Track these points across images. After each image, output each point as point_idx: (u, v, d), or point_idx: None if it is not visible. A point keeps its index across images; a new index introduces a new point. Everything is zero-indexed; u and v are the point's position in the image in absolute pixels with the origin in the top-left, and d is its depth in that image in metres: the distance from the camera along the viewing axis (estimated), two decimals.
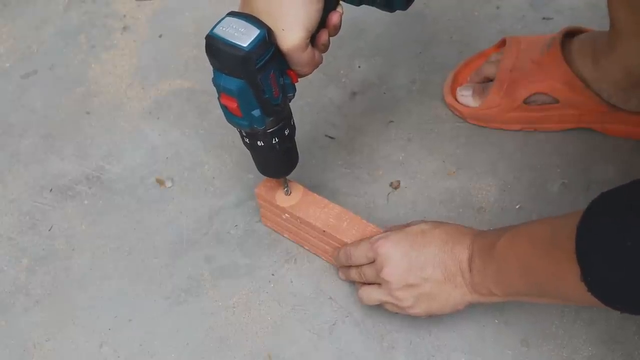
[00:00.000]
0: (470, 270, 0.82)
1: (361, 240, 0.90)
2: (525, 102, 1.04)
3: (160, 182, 1.06)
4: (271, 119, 0.82)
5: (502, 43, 1.09)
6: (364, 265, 0.89)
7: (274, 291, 0.96)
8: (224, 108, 0.80)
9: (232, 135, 1.09)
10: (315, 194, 0.95)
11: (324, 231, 0.92)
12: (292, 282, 0.97)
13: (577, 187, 1.01)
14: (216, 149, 1.09)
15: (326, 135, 1.09)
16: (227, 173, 1.06)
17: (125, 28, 1.23)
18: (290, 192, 0.95)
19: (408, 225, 0.89)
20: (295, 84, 0.81)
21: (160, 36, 1.21)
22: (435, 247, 0.84)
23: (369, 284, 0.89)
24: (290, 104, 0.84)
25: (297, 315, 0.94)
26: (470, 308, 0.93)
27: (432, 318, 0.92)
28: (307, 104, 1.12)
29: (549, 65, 1.02)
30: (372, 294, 0.89)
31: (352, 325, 0.93)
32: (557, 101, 1.03)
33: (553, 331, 0.91)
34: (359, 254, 0.89)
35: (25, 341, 0.94)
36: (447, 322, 0.92)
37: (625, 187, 0.64)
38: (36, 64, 1.20)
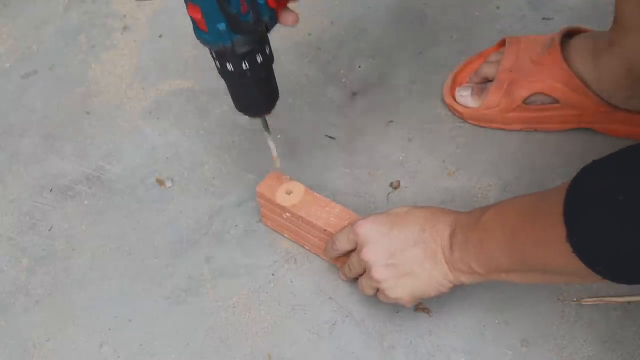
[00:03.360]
0: (451, 247, 0.81)
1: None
2: (525, 102, 1.04)
3: (160, 182, 1.06)
4: (239, 37, 0.77)
5: (502, 43, 1.09)
6: (351, 255, 0.89)
7: (274, 291, 0.96)
8: (192, 22, 0.77)
9: (232, 135, 1.09)
10: (316, 194, 0.95)
11: (325, 230, 0.92)
12: (292, 282, 0.97)
13: None
14: (216, 149, 1.09)
15: (326, 135, 1.09)
16: (227, 173, 1.06)
17: (125, 28, 1.23)
18: (292, 192, 0.95)
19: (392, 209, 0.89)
20: (273, 9, 0.78)
21: (160, 36, 1.21)
22: (416, 226, 0.83)
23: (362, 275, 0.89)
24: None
25: (297, 315, 0.94)
26: (471, 308, 0.93)
27: (433, 318, 0.92)
28: (307, 104, 1.12)
29: (548, 65, 1.02)
30: (362, 282, 0.89)
31: (352, 325, 0.93)
32: (556, 101, 1.03)
33: (553, 331, 0.91)
34: (342, 237, 0.89)
35: (25, 341, 0.94)
36: (447, 322, 0.92)
37: (614, 153, 0.64)
38: (36, 64, 1.20)
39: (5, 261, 1.01)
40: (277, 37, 1.18)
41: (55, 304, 0.97)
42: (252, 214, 1.02)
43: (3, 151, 1.11)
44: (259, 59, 0.81)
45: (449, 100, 1.08)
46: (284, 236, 0.99)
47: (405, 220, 0.85)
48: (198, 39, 0.79)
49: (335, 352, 0.91)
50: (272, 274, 0.97)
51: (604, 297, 0.93)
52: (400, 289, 0.85)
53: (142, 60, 1.19)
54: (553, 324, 0.91)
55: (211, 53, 0.81)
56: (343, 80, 1.14)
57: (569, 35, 1.04)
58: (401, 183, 1.03)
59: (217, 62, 0.81)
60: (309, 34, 1.18)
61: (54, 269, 1.00)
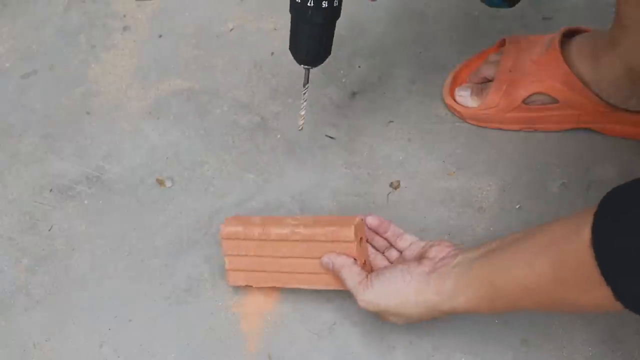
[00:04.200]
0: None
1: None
2: (525, 102, 1.04)
3: (160, 182, 1.06)
4: None
5: (502, 43, 1.09)
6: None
7: (274, 291, 0.96)
8: None
9: (232, 135, 1.09)
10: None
11: (315, 221, 0.89)
12: None
13: (577, 187, 1.01)
14: (216, 149, 1.09)
15: (326, 135, 1.09)
16: (227, 173, 1.06)
17: (125, 28, 1.23)
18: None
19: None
20: None
21: (160, 36, 1.21)
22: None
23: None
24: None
25: (297, 315, 0.94)
26: None
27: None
28: (307, 104, 1.12)
29: (548, 65, 1.02)
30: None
31: (351, 326, 0.93)
32: (556, 101, 1.03)
33: (553, 331, 0.91)
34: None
35: (25, 341, 0.95)
36: (447, 322, 0.92)
37: (628, 186, 0.62)
38: (36, 64, 1.20)
39: (5, 261, 1.01)
40: (278, 37, 1.18)
41: (55, 304, 0.97)
42: (252, 214, 1.02)
43: (3, 151, 1.11)
44: (324, 4, 0.85)
45: (448, 100, 1.08)
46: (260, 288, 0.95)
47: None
48: None
49: (335, 352, 0.91)
50: None
51: None
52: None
53: (142, 60, 1.19)
54: (553, 324, 0.91)
55: None
56: (343, 80, 1.14)
57: (568, 35, 1.04)
58: (401, 183, 1.03)
59: None
60: None
61: (54, 269, 1.00)
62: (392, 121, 1.09)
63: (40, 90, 1.17)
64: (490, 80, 1.06)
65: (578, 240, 0.65)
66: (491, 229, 0.98)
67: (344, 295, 0.95)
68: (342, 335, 0.92)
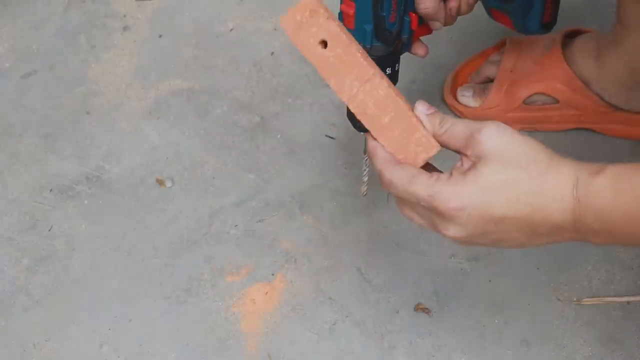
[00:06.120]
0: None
1: (410, 171, 0.67)
2: (525, 102, 1.04)
3: (160, 182, 1.06)
4: (379, 44, 0.82)
5: (502, 43, 1.09)
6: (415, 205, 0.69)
7: (274, 291, 0.96)
8: (340, 19, 0.82)
9: (232, 135, 1.09)
10: (358, 52, 0.68)
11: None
12: (292, 282, 0.97)
13: None
14: (216, 149, 1.09)
15: (326, 135, 1.09)
16: (227, 173, 1.06)
17: (125, 28, 1.23)
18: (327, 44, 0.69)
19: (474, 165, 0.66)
20: (413, 31, 0.84)
21: (160, 36, 1.21)
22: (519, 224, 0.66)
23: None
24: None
25: (297, 315, 0.94)
26: (471, 308, 0.93)
27: (433, 318, 0.92)
28: (307, 104, 1.12)
29: (549, 66, 1.02)
30: (415, 219, 0.70)
31: (352, 325, 0.93)
32: (557, 101, 1.03)
33: (553, 331, 0.91)
34: (407, 194, 0.67)
35: (25, 341, 0.94)
36: (447, 322, 0.92)
37: None
38: (36, 64, 1.20)
39: (5, 261, 1.01)
40: (278, 37, 1.18)
41: (55, 304, 0.97)
42: (252, 214, 1.02)
43: (3, 151, 1.11)
44: (388, 71, 0.85)
45: (449, 100, 1.08)
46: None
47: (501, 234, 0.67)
48: None
49: (335, 352, 0.91)
50: (272, 274, 0.97)
51: (604, 297, 0.93)
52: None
53: (142, 60, 1.19)
54: (553, 324, 0.91)
55: None
56: None
57: (569, 36, 1.04)
58: None
59: None
60: None
61: (54, 269, 1.00)
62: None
63: (40, 90, 1.17)
64: (491, 80, 1.06)
65: None
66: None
67: (344, 295, 0.95)
68: (342, 335, 0.92)
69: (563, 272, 0.95)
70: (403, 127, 0.68)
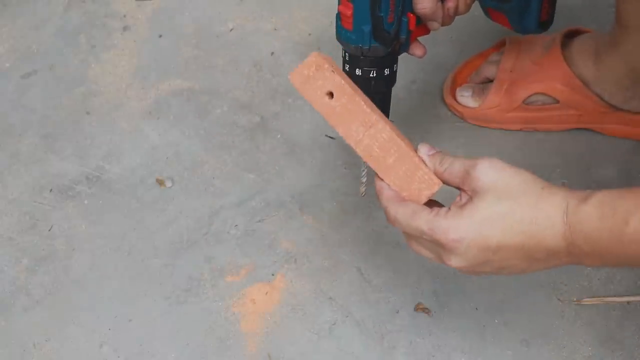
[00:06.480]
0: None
1: (411, 207, 0.72)
2: (525, 102, 1.04)
3: (160, 182, 1.06)
4: (377, 44, 0.83)
5: (502, 43, 1.09)
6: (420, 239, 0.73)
7: (274, 291, 0.96)
8: (338, 20, 0.82)
9: (232, 135, 1.09)
10: (362, 100, 0.73)
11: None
12: (292, 282, 0.97)
13: (577, 187, 1.00)
14: (216, 149, 1.09)
15: (326, 135, 1.09)
16: (227, 173, 1.06)
17: (125, 28, 1.23)
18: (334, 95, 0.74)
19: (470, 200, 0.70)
20: (411, 31, 0.84)
21: (160, 36, 1.21)
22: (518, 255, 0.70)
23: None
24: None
25: (297, 315, 0.94)
26: (471, 308, 0.93)
27: (433, 318, 0.92)
28: (307, 104, 1.11)
29: (549, 66, 1.02)
30: (422, 252, 0.74)
31: (352, 325, 0.93)
32: (556, 101, 1.03)
33: (553, 331, 0.91)
34: (411, 228, 0.72)
35: (25, 341, 0.94)
36: (447, 322, 0.92)
37: None
38: (36, 64, 1.20)
39: (5, 261, 1.01)
40: (278, 37, 1.18)
41: (55, 304, 0.97)
42: (252, 214, 1.02)
43: (3, 151, 1.11)
44: (386, 71, 0.86)
45: (449, 100, 1.08)
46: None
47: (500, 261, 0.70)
48: (338, 38, 0.84)
49: (335, 352, 0.91)
50: (272, 274, 0.97)
51: (604, 297, 0.93)
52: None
53: (142, 60, 1.19)
54: (553, 324, 0.91)
55: (343, 56, 0.85)
56: None
57: (569, 36, 1.04)
58: None
59: (346, 65, 0.85)
60: (309, 34, 1.19)
61: (54, 269, 1.00)
62: (392, 121, 1.09)
63: (40, 90, 1.17)
64: (491, 80, 1.07)
65: None
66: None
67: (344, 295, 0.95)
68: (342, 335, 0.92)
69: (563, 272, 0.95)
70: (406, 166, 0.73)
